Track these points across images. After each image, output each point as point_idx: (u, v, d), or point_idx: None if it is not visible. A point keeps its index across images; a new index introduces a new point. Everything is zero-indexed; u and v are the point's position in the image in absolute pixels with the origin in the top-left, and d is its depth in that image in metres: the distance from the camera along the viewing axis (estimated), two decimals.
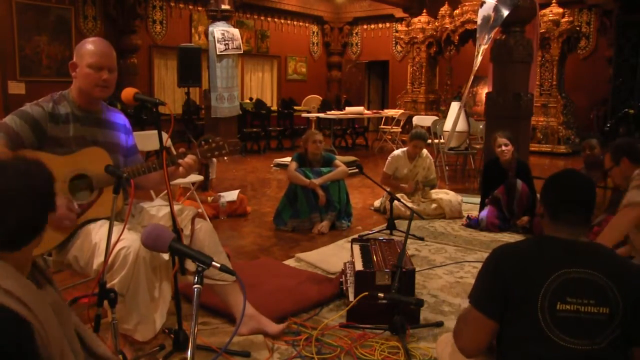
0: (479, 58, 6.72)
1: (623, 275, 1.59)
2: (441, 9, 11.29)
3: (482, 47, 6.58)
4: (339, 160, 5.22)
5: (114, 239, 2.05)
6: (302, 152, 5.07)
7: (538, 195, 4.78)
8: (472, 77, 6.98)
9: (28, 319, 1.19)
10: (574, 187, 1.72)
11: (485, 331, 1.69)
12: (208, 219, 4.75)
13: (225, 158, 2.64)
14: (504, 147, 4.84)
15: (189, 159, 2.48)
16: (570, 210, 1.69)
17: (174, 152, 4.69)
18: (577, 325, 1.56)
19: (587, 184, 1.74)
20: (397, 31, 13.78)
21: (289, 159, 8.49)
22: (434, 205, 5.35)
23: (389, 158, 5.47)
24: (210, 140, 2.55)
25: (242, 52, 9.50)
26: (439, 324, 2.85)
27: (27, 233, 1.32)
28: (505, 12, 6.00)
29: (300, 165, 4.94)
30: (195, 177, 4.72)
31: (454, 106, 8.01)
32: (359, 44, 15.30)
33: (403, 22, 12.75)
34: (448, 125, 7.61)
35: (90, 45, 2.39)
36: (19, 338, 1.14)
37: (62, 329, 1.36)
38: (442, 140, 7.95)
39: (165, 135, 2.27)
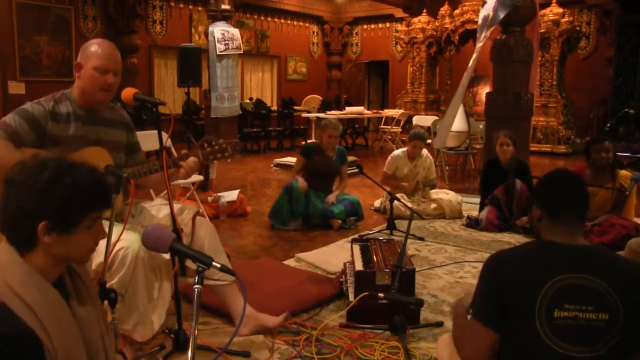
0: (475, 56, 6.71)
1: (622, 280, 1.55)
2: (441, 9, 11.28)
3: (478, 45, 6.57)
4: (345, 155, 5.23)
5: (113, 239, 2.04)
6: (315, 142, 5.09)
7: None
8: (467, 74, 6.96)
9: (41, 338, 1.27)
10: (570, 183, 1.71)
11: (486, 341, 1.64)
12: (208, 219, 4.74)
13: (229, 160, 2.62)
14: (505, 147, 4.84)
15: (191, 161, 2.47)
16: (569, 207, 1.65)
17: (174, 152, 4.73)
18: (576, 332, 1.53)
19: (579, 181, 1.73)
20: (397, 31, 13.78)
21: (289, 159, 8.56)
22: (434, 205, 5.35)
23: (389, 158, 5.47)
24: (213, 143, 2.53)
25: (242, 52, 9.50)
26: (439, 324, 2.85)
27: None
28: (504, 13, 5.99)
29: (308, 157, 4.98)
30: (196, 177, 4.71)
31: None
32: (359, 44, 15.29)
33: (403, 22, 12.74)
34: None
35: (97, 47, 2.36)
36: (31, 356, 1.25)
37: (85, 347, 1.39)
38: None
39: (165, 135, 2.27)
